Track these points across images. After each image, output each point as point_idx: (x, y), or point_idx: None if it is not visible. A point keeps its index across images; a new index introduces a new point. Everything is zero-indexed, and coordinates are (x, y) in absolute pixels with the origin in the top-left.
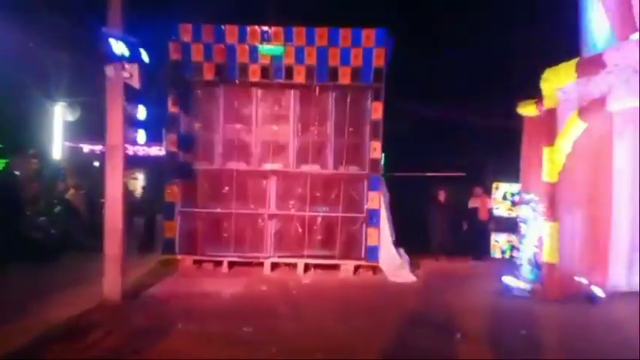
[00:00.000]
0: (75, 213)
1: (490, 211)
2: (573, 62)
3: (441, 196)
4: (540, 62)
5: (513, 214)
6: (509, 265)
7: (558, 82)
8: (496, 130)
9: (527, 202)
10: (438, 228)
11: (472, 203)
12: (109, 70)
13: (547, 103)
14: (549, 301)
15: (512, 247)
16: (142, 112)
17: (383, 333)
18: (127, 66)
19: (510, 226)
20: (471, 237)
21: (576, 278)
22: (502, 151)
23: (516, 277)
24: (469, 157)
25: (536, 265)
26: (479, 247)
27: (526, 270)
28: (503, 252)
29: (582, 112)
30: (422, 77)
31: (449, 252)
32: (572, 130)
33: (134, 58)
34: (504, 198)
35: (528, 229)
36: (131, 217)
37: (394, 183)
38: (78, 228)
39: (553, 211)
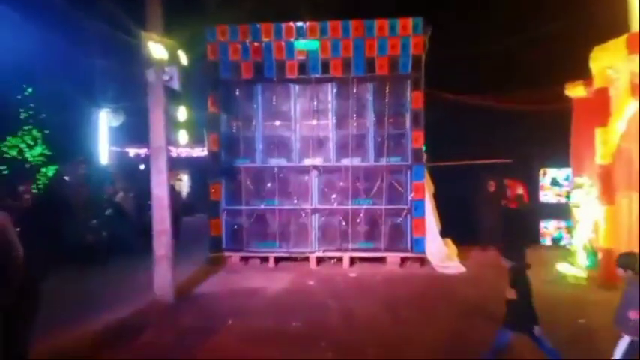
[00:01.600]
0: (125, 216)
1: (517, 198)
2: (623, 39)
3: (492, 186)
4: (586, 43)
5: (562, 200)
6: (563, 251)
7: (608, 60)
8: (543, 115)
9: (580, 187)
10: (487, 218)
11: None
12: (150, 74)
13: (597, 83)
14: (606, 288)
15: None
16: (183, 114)
17: (434, 325)
18: (166, 69)
19: (559, 212)
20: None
21: None
22: (550, 136)
23: (571, 264)
24: (515, 145)
25: (592, 252)
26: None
27: (581, 256)
28: (553, 239)
29: (635, 89)
30: (463, 65)
31: (498, 242)
32: (625, 109)
33: (173, 60)
34: (553, 184)
35: (583, 214)
36: (179, 217)
37: (438, 173)
38: (128, 230)
39: (608, 195)
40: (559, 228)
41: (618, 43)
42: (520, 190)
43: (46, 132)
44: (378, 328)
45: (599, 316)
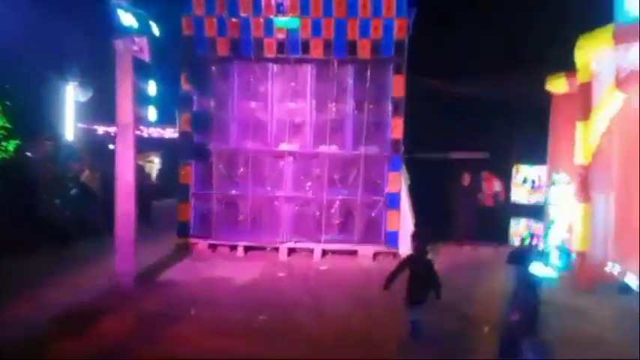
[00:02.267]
0: (90, 195)
1: (494, 195)
2: (610, 27)
3: (466, 180)
4: (569, 36)
5: (533, 200)
6: (536, 252)
7: (593, 51)
8: (522, 109)
9: (557, 184)
10: (462, 213)
11: (483, 187)
12: (118, 44)
13: (581, 75)
14: (579, 290)
15: (532, 235)
16: (152, 88)
17: (402, 321)
18: (136, 39)
19: (530, 211)
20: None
21: (608, 267)
22: (528, 130)
23: (543, 264)
24: (494, 138)
25: (566, 253)
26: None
27: (555, 257)
28: (522, 239)
29: (620, 83)
30: (444, 52)
31: (473, 238)
32: (608, 104)
33: (143, 30)
34: (525, 182)
35: (558, 213)
36: (149, 200)
37: (414, 165)
38: (94, 210)
39: (585, 195)
40: (529, 227)
41: (605, 32)
42: (498, 187)
43: (7, 104)
44: (346, 322)
45: (579, 323)
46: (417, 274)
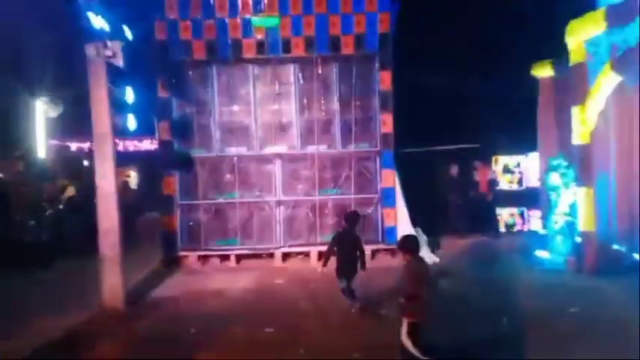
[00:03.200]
0: (79, 212)
1: (490, 183)
2: (601, 10)
3: (453, 170)
4: (550, 26)
5: (514, 187)
6: (538, 238)
7: (585, 34)
8: (506, 100)
9: (555, 169)
10: (452, 204)
11: (475, 177)
12: (89, 49)
13: (574, 58)
14: (587, 272)
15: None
16: (129, 95)
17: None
18: (109, 44)
19: (512, 199)
20: (476, 212)
21: (614, 247)
22: (506, 121)
23: (547, 249)
24: (480, 129)
25: (570, 235)
26: (489, 223)
27: (558, 241)
28: (507, 225)
29: (616, 64)
30: (426, 45)
31: (463, 229)
32: (604, 85)
33: (116, 34)
34: (505, 171)
35: (559, 198)
36: (133, 216)
37: (403, 160)
38: (81, 229)
39: (587, 175)
40: (512, 215)
41: (597, 15)
42: (494, 175)
43: None
44: (357, 329)
45: (588, 305)
46: (344, 249)
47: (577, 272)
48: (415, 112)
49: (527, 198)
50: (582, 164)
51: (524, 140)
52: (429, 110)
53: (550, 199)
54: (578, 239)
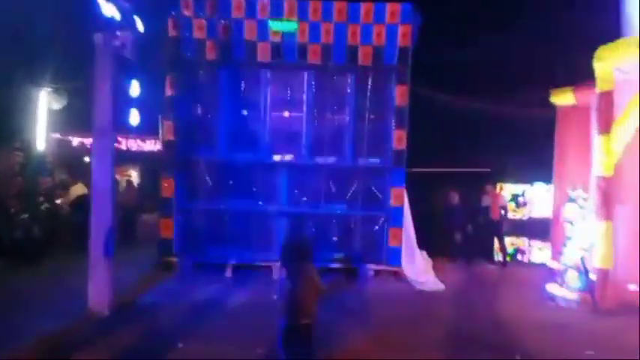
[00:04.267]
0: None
1: (503, 209)
2: (635, 37)
3: (454, 198)
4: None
5: (518, 216)
6: (546, 271)
7: (616, 60)
8: (521, 124)
9: (573, 200)
10: (454, 231)
11: (484, 202)
12: (98, 38)
13: (601, 85)
14: (602, 312)
15: (517, 251)
16: (135, 89)
17: (425, 353)
18: (118, 33)
19: (515, 228)
20: (483, 239)
21: (631, 287)
22: (514, 149)
23: (560, 284)
24: (493, 153)
25: (585, 272)
26: (489, 250)
27: (572, 277)
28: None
29: None
30: (448, 63)
31: (466, 256)
32: (633, 114)
33: (126, 24)
34: (511, 199)
35: (575, 231)
36: (134, 216)
37: (412, 179)
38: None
39: (607, 210)
40: (513, 244)
41: (630, 42)
42: (504, 201)
43: None
44: (361, 353)
45: (604, 348)
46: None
47: (591, 311)
48: (424, 131)
49: (530, 228)
50: (603, 197)
51: (530, 169)
52: (438, 129)
53: (565, 232)
54: (593, 276)
